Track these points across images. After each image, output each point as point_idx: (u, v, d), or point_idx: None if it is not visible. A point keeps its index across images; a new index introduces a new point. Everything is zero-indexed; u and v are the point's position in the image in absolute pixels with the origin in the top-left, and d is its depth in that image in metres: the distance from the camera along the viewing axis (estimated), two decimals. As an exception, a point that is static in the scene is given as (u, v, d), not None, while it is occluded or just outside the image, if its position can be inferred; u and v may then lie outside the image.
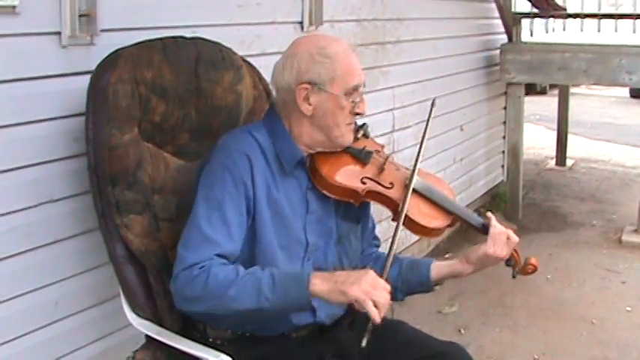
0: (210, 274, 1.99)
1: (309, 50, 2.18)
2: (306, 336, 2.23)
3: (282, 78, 2.20)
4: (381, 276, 2.04)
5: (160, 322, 2.26)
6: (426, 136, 2.40)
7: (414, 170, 2.29)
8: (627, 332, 4.32)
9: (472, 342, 4.06)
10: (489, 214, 2.33)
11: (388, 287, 1.99)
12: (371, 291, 1.94)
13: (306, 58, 2.17)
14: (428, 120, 2.41)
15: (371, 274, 1.99)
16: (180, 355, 2.19)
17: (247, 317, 2.11)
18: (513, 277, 2.37)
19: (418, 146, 2.38)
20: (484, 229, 2.29)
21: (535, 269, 2.34)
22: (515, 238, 2.28)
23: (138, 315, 2.27)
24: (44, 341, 2.45)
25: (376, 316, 1.92)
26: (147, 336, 2.29)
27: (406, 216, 2.23)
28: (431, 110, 2.42)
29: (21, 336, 2.37)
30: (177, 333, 2.24)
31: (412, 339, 2.33)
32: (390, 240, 2.21)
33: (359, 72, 2.21)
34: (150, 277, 2.27)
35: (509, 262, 2.32)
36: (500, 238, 2.26)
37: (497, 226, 2.27)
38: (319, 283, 1.98)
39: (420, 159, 2.32)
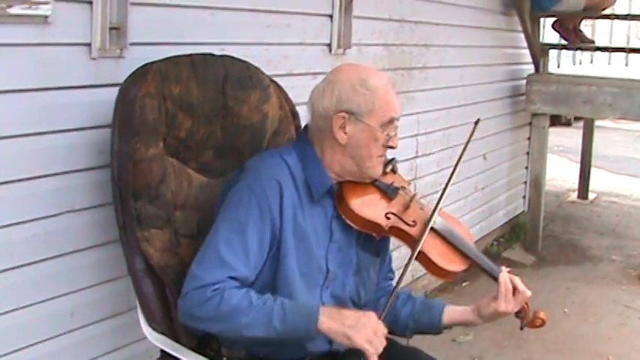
0: (224, 297, 1.99)
1: (351, 80, 2.19)
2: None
3: (320, 103, 2.21)
4: (380, 316, 2.06)
5: (175, 338, 2.26)
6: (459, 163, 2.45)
7: (435, 207, 2.30)
8: (643, 370, 4.28)
9: (486, 373, 4.04)
10: (503, 268, 2.33)
11: (385, 330, 2.03)
12: (373, 340, 1.99)
13: (348, 87, 2.18)
14: (469, 140, 2.43)
15: (373, 320, 2.03)
16: (193, 372, 2.19)
17: (256, 341, 2.11)
18: (521, 328, 2.37)
19: (449, 175, 2.43)
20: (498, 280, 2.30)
21: (543, 323, 2.35)
22: (527, 294, 2.29)
23: (154, 329, 2.27)
24: (59, 350, 2.45)
25: None
26: (162, 351, 2.29)
27: (425, 256, 2.24)
28: (474, 129, 2.43)
29: (36, 344, 2.38)
30: (192, 350, 2.23)
31: (426, 366, 2.32)
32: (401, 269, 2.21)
33: (396, 107, 2.23)
34: (167, 293, 2.27)
35: (519, 314, 2.33)
36: (512, 295, 2.27)
37: (509, 283, 2.27)
38: (327, 322, 2.00)
39: (447, 193, 2.35)
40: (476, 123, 2.45)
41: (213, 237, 2.10)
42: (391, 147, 2.24)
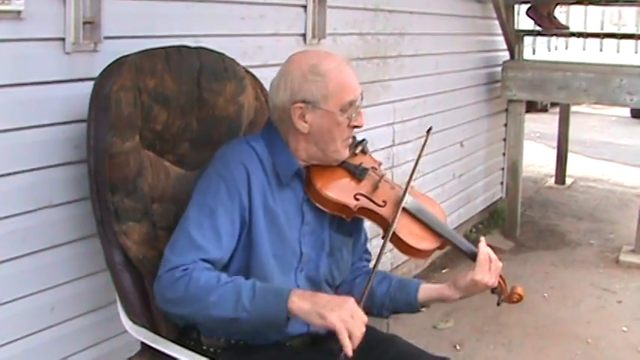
0: (193, 277, 2.00)
1: (301, 69, 2.19)
2: (300, 346, 2.24)
3: (277, 97, 2.21)
4: (359, 303, 2.01)
5: (155, 330, 2.26)
6: (423, 156, 2.41)
7: (405, 189, 2.29)
8: (622, 352, 4.31)
9: (467, 358, 4.05)
10: (482, 238, 2.34)
11: (365, 319, 1.96)
12: (349, 320, 1.92)
13: (299, 77, 2.17)
14: (422, 147, 2.39)
15: (351, 303, 1.97)
16: (174, 363, 2.20)
17: (227, 327, 2.11)
18: (498, 304, 2.38)
19: (412, 167, 2.39)
20: (472, 256, 2.30)
21: (521, 298, 2.35)
22: (498, 264, 2.29)
23: (134, 322, 2.28)
24: (39, 346, 2.45)
25: (349, 348, 1.89)
26: (142, 343, 2.29)
27: (395, 235, 2.24)
28: (426, 138, 2.41)
29: (17, 340, 2.38)
30: (172, 341, 2.24)
31: (405, 353, 2.32)
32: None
33: (353, 87, 2.21)
34: (146, 285, 2.27)
35: (496, 289, 2.33)
36: (489, 265, 2.27)
37: (485, 253, 2.29)
38: (298, 301, 1.96)
39: (413, 179, 2.34)
40: (428, 131, 2.41)
41: (183, 222, 2.11)
42: (357, 127, 2.23)
